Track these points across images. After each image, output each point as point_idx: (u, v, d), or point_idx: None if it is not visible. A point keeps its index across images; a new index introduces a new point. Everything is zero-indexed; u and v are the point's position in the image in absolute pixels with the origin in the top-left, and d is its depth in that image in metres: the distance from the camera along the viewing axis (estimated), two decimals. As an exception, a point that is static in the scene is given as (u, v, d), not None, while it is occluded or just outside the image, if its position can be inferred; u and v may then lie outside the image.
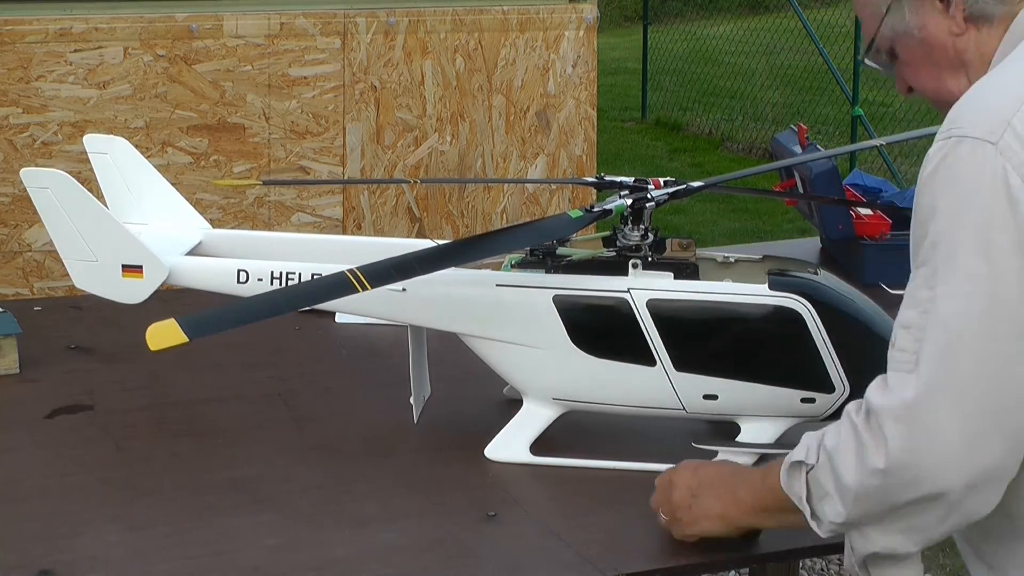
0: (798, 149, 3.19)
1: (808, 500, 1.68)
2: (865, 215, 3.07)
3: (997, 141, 1.54)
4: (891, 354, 1.62)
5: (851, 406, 1.64)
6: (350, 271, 1.93)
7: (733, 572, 3.48)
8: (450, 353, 2.25)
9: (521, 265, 2.16)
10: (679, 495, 1.84)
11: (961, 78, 1.74)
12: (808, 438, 1.70)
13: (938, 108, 1.77)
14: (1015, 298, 1.53)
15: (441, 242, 2.02)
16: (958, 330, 1.54)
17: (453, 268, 2.20)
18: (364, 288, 1.92)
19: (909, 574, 1.68)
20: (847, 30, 9.13)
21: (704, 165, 9.00)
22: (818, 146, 3.21)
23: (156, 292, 2.21)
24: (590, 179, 2.15)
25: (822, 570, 3.96)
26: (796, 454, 1.70)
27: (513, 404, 2.22)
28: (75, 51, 3.10)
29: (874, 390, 1.60)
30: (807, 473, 1.68)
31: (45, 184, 2.14)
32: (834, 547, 1.93)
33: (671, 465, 2.00)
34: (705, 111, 10.58)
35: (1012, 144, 1.54)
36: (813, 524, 1.69)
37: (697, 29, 11.97)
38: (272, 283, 2.14)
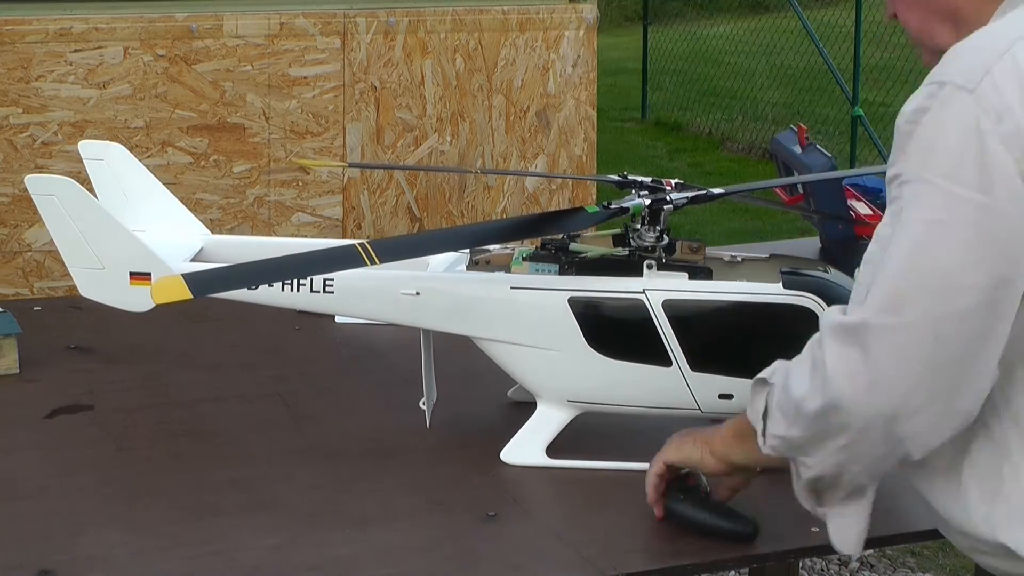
0: (798, 149, 3.19)
1: (763, 417, 1.69)
2: (865, 215, 3.08)
3: (974, 89, 1.55)
4: (854, 286, 1.66)
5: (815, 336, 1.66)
6: (360, 244, 1.93)
7: (733, 572, 3.48)
8: (449, 353, 2.24)
9: (532, 258, 2.15)
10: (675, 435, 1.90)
11: (948, 28, 1.73)
12: (778, 362, 1.72)
13: (915, 45, 1.79)
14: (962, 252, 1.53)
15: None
16: (909, 268, 1.56)
17: (466, 271, 2.19)
18: (373, 262, 1.92)
19: (855, 510, 1.69)
20: (847, 30, 9.12)
21: (704, 165, 9.00)
22: (818, 146, 3.22)
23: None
24: (614, 176, 2.15)
25: (822, 570, 3.96)
26: (763, 372, 1.72)
27: (515, 405, 2.22)
28: (75, 51, 3.10)
29: (831, 312, 1.63)
30: (768, 392, 1.69)
31: (51, 191, 2.10)
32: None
33: None
34: (705, 111, 10.58)
35: (989, 93, 1.55)
36: (760, 441, 1.69)
37: (697, 29, 11.96)
38: (284, 288, 2.13)
